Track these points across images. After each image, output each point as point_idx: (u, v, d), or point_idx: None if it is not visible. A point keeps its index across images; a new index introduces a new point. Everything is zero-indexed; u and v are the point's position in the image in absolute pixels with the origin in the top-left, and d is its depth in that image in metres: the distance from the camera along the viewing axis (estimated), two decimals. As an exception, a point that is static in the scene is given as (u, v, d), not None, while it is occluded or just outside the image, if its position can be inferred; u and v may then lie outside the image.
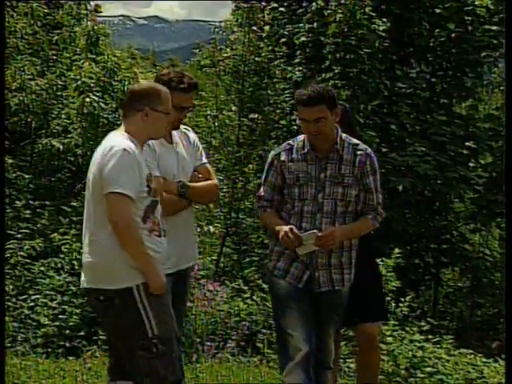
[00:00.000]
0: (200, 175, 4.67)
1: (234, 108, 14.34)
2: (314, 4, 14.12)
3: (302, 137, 4.51)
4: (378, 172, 4.54)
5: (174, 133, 4.68)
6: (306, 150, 4.43)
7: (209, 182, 4.70)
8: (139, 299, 4.13)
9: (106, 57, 14.52)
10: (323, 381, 4.62)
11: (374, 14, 13.51)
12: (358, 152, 4.44)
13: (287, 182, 4.46)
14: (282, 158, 4.48)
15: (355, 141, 4.52)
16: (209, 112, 14.99)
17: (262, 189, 4.65)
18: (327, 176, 4.38)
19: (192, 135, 4.86)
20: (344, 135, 4.48)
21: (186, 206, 4.62)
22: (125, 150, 4.10)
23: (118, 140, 4.22)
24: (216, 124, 14.44)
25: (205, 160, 4.81)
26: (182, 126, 4.81)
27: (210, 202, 5.04)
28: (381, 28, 13.68)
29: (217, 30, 15.32)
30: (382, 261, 8.63)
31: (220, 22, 15.92)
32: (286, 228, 4.26)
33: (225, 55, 14.44)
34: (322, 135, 4.31)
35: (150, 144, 4.48)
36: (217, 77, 14.80)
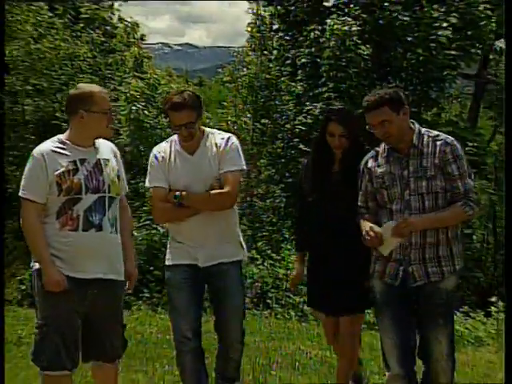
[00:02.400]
0: (215, 183, 3.93)
1: (248, 115, 14.21)
2: (312, 33, 13.85)
3: (383, 143, 3.85)
4: (463, 158, 3.66)
5: (204, 140, 4.01)
6: (386, 153, 3.78)
7: (217, 191, 3.90)
8: (34, 284, 3.68)
9: (148, 75, 14.88)
10: (432, 377, 3.70)
11: (359, 42, 13.28)
12: (438, 142, 3.67)
13: (375, 187, 3.77)
14: (369, 165, 3.82)
15: (435, 132, 3.77)
16: (229, 118, 14.93)
17: (359, 198, 3.91)
18: (410, 172, 3.65)
19: (222, 143, 3.99)
20: (423, 129, 3.76)
21: (190, 213, 3.92)
22: (32, 155, 3.65)
23: (40, 145, 3.72)
24: (235, 127, 14.20)
25: (228, 168, 3.94)
26: (221, 135, 4.08)
27: (217, 209, 3.99)
28: (365, 52, 13.46)
29: (235, 53, 15.21)
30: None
31: (238, 47, 15.80)
32: (367, 227, 3.64)
33: (242, 73, 14.42)
34: (392, 137, 3.65)
35: (162, 156, 4.01)
36: (236, 90, 14.65)
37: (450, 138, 3.65)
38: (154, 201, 3.99)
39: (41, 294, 3.60)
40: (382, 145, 3.74)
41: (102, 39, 16.16)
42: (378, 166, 3.74)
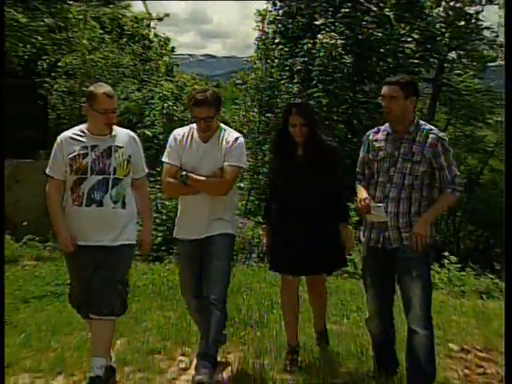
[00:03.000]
0: (219, 172, 3.60)
1: (255, 110, 14.02)
2: (305, 46, 13.83)
3: (387, 123, 3.57)
4: (450, 151, 3.42)
5: (218, 134, 3.68)
6: (386, 132, 3.49)
7: (217, 179, 3.59)
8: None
9: (177, 79, 14.94)
10: (414, 345, 3.28)
11: (343, 52, 13.28)
12: (431, 135, 3.39)
13: (370, 158, 3.50)
14: (370, 137, 3.55)
15: (430, 126, 3.50)
16: (240, 112, 14.76)
17: (358, 165, 3.69)
18: (400, 153, 3.39)
19: (232, 141, 3.66)
20: (422, 122, 3.50)
21: (191, 191, 3.62)
22: (56, 140, 3.44)
23: (63, 132, 3.49)
24: (245, 120, 14.27)
25: (230, 162, 3.61)
26: (232, 133, 3.73)
27: (213, 194, 3.67)
28: (347, 61, 13.39)
29: (245, 62, 15.00)
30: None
31: (248, 57, 15.41)
32: (361, 196, 3.42)
33: (250, 77, 14.23)
34: (391, 113, 3.37)
35: (180, 139, 3.66)
36: (245, 90, 14.59)
37: (442, 133, 3.41)
38: (164, 175, 3.63)
39: (64, 258, 3.50)
40: (386, 124, 3.46)
41: (141, 51, 15.68)
42: (376, 141, 3.46)
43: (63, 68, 12.71)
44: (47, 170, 3.36)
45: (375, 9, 14.23)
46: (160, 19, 16.98)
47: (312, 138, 3.61)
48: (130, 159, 3.35)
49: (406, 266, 3.25)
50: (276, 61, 14.50)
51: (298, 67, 13.85)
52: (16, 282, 6.51)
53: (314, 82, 13.27)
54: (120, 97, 13.53)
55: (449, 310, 5.69)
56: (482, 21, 15.73)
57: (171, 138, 3.63)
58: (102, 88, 3.33)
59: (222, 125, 3.64)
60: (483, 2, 15.42)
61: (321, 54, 13.28)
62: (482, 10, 15.80)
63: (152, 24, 17.35)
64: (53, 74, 12.88)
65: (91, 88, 3.34)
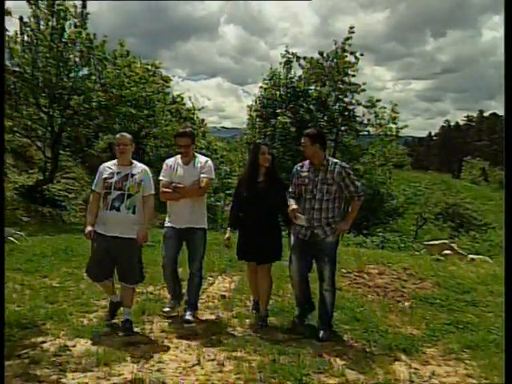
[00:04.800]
0: (197, 182, 4.22)
1: (246, 155, 16.05)
2: (272, 122, 16.63)
3: (307, 160, 4.08)
4: (350, 173, 4.04)
5: (195, 159, 4.32)
6: (308, 166, 4.07)
7: (196, 186, 4.23)
8: None
9: (208, 139, 20.42)
10: (324, 299, 4.14)
11: (290, 126, 16.20)
12: (337, 166, 4.00)
13: (299, 182, 4.07)
14: (298, 169, 4.13)
15: (336, 160, 4.06)
16: (239, 155, 18.35)
17: (290, 188, 4.18)
18: (319, 179, 3.98)
19: (203, 163, 4.33)
20: (330, 158, 4.08)
21: (180, 196, 4.25)
22: (99, 167, 4.05)
23: (105, 163, 4.11)
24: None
25: (204, 175, 4.26)
26: (204, 158, 4.39)
27: (194, 196, 4.27)
28: (293, 130, 16.35)
29: (243, 133, 18.36)
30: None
31: (243, 128, 18.97)
32: (292, 207, 4.00)
33: (244, 138, 17.79)
34: (306, 154, 4.01)
35: (170, 165, 4.34)
36: (240, 145, 18.27)
37: (344, 163, 4.07)
38: (161, 187, 4.26)
39: (91, 242, 4.02)
40: (307, 161, 4.08)
41: (190, 125, 18.29)
42: (302, 172, 4.09)
43: (154, 134, 17.17)
44: (92, 187, 4.05)
45: (305, 105, 17.08)
46: (200, 109, 22.09)
47: (271, 166, 4.22)
48: (141, 183, 3.96)
49: (324, 252, 4.03)
50: (257, 130, 17.63)
51: (269, 133, 16.86)
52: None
53: (277, 141, 16.34)
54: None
55: (341, 253, 6.58)
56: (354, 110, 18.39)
57: (164, 164, 4.32)
58: (119, 134, 4.06)
59: (195, 153, 4.35)
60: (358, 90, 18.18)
61: (279, 126, 16.61)
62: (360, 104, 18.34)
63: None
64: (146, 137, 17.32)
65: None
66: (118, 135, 4.06)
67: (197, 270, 4.39)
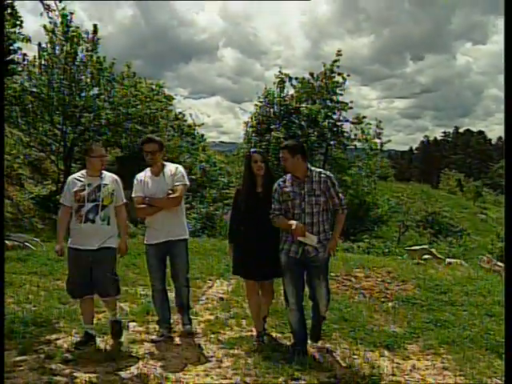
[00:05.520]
0: (170, 192, 3.75)
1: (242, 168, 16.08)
2: (267, 137, 16.72)
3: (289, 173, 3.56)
4: (335, 184, 3.55)
5: (165, 169, 3.84)
6: (291, 179, 3.54)
7: (169, 196, 3.75)
8: None
9: (208, 152, 19.83)
10: (318, 312, 3.71)
11: (283, 140, 13.63)
12: (322, 175, 3.52)
13: (284, 198, 3.51)
14: (281, 185, 3.55)
15: (319, 169, 3.60)
16: (236, 167, 18.30)
17: (273, 205, 3.55)
18: (305, 192, 3.47)
19: (174, 170, 3.84)
20: (312, 168, 3.58)
21: (156, 210, 3.77)
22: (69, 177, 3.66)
23: (72, 174, 3.75)
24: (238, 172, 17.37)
25: (176, 183, 3.78)
26: (173, 165, 3.91)
27: (169, 207, 3.77)
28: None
29: (240, 148, 18.46)
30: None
31: (240, 143, 18.92)
32: (297, 222, 3.41)
33: (241, 151, 17.65)
34: (287, 168, 3.52)
35: (141, 179, 3.85)
36: (238, 159, 18.19)
37: (328, 172, 3.57)
38: (135, 203, 3.78)
39: (67, 257, 3.59)
40: (289, 174, 3.55)
41: (191, 140, 19.59)
42: (285, 187, 3.52)
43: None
44: (61, 200, 3.63)
45: (297, 121, 17.20)
46: (200, 125, 22.63)
47: (267, 174, 3.70)
48: (113, 193, 3.62)
49: (317, 270, 3.52)
50: (253, 144, 17.23)
51: (263, 147, 16.31)
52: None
53: (271, 155, 15.37)
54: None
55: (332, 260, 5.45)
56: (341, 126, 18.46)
57: (135, 180, 3.85)
58: (92, 144, 3.89)
59: (165, 162, 3.87)
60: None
61: (273, 141, 16.43)
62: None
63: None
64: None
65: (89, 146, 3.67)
66: (93, 146, 3.70)
67: (183, 285, 3.94)
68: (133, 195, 3.80)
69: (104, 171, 3.71)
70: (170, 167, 3.87)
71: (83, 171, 3.71)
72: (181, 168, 3.86)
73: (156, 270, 3.87)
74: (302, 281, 3.60)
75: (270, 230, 3.61)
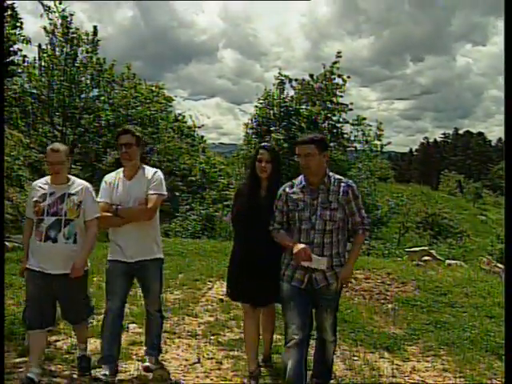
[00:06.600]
0: (144, 201, 3.09)
1: (243, 169, 15.58)
2: (267, 138, 15.03)
3: (300, 177, 2.87)
4: (359, 197, 2.83)
5: (140, 172, 3.19)
6: (302, 185, 2.83)
7: (142, 207, 3.06)
8: None
9: (207, 154, 20.66)
10: (325, 350, 2.98)
11: (283, 142, 15.15)
12: (342, 184, 2.80)
13: (290, 208, 2.82)
14: (287, 190, 2.85)
15: (339, 176, 2.85)
16: (236, 168, 17.24)
17: (274, 215, 2.89)
18: (318, 202, 2.77)
19: (151, 175, 3.16)
20: (331, 173, 2.84)
21: (123, 221, 3.09)
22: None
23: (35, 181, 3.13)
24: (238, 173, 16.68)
25: (151, 192, 3.09)
26: (151, 169, 3.22)
27: (139, 220, 3.09)
28: (285, 145, 14.87)
29: (240, 149, 17.40)
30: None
31: (240, 144, 17.95)
32: (301, 246, 2.69)
33: (241, 152, 16.79)
34: (309, 169, 2.75)
35: (109, 182, 3.19)
36: (237, 160, 17.31)
37: (351, 181, 2.86)
38: (101, 211, 3.11)
39: (25, 280, 3.06)
40: (299, 177, 2.87)
41: (192, 142, 19.67)
42: (294, 193, 2.84)
43: (157, 150, 16.95)
44: (26, 212, 3.07)
45: (297, 123, 16.95)
46: (200, 127, 22.32)
47: (274, 180, 3.00)
48: (80, 204, 2.98)
49: (327, 304, 2.86)
50: (253, 146, 16.19)
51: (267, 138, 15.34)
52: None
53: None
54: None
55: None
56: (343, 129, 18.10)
57: (102, 182, 3.22)
58: (51, 145, 3.01)
59: (143, 164, 3.23)
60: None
61: (273, 142, 14.41)
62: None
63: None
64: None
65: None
66: (48, 148, 3.01)
67: (156, 311, 3.29)
68: (98, 199, 3.16)
69: (72, 177, 3.11)
70: (148, 171, 3.22)
71: (48, 177, 3.09)
72: (160, 173, 3.21)
73: (115, 286, 3.13)
74: (308, 314, 2.85)
75: (272, 244, 2.92)
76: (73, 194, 3.03)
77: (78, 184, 3.10)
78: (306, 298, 2.82)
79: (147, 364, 3.29)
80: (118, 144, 3.17)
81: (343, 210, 2.79)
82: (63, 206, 2.98)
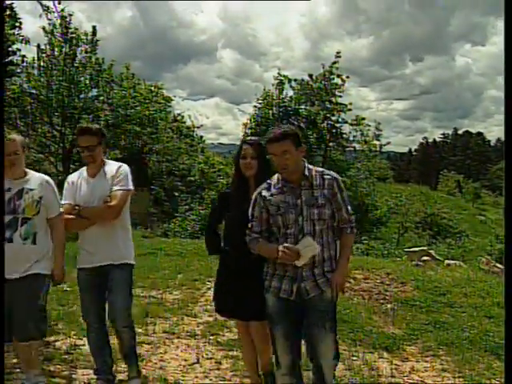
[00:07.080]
0: (108, 198, 2.81)
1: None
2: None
3: (276, 175, 2.49)
4: (344, 190, 2.50)
5: (104, 168, 2.93)
6: (280, 184, 2.45)
7: (106, 205, 2.79)
8: None
9: (207, 154, 19.97)
10: (323, 377, 2.42)
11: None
12: (326, 176, 2.46)
13: (271, 213, 2.44)
14: (263, 194, 2.46)
15: (320, 169, 2.52)
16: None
17: (251, 224, 2.49)
18: (303, 201, 2.40)
19: (115, 170, 2.90)
20: (310, 166, 2.49)
21: (87, 224, 2.84)
22: None
23: None
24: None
25: (116, 187, 2.83)
26: (115, 164, 2.98)
27: (104, 219, 2.82)
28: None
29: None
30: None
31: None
32: (280, 247, 2.32)
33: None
34: (287, 168, 2.38)
35: (72, 181, 2.95)
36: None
37: (335, 173, 2.50)
38: (64, 213, 2.85)
39: None
40: (275, 177, 2.49)
41: (190, 142, 19.52)
42: (272, 196, 2.45)
43: (156, 150, 17.34)
44: None
45: (296, 123, 17.46)
46: (199, 127, 22.71)
47: (262, 176, 2.58)
48: (40, 200, 2.72)
49: (320, 318, 2.39)
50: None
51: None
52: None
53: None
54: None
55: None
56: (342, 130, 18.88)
57: (66, 183, 2.99)
58: (6, 135, 2.67)
59: (106, 160, 3.00)
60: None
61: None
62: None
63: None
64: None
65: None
66: (6, 140, 2.68)
67: (124, 326, 2.90)
68: (61, 201, 2.92)
69: (30, 171, 2.83)
70: (111, 166, 2.97)
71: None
72: (125, 167, 2.95)
73: (89, 302, 2.93)
74: (299, 332, 2.48)
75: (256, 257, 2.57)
76: (31, 189, 2.75)
77: (38, 178, 2.82)
78: (297, 314, 2.43)
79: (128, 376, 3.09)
80: (79, 146, 2.97)
81: (330, 205, 2.45)
82: (21, 203, 2.70)
